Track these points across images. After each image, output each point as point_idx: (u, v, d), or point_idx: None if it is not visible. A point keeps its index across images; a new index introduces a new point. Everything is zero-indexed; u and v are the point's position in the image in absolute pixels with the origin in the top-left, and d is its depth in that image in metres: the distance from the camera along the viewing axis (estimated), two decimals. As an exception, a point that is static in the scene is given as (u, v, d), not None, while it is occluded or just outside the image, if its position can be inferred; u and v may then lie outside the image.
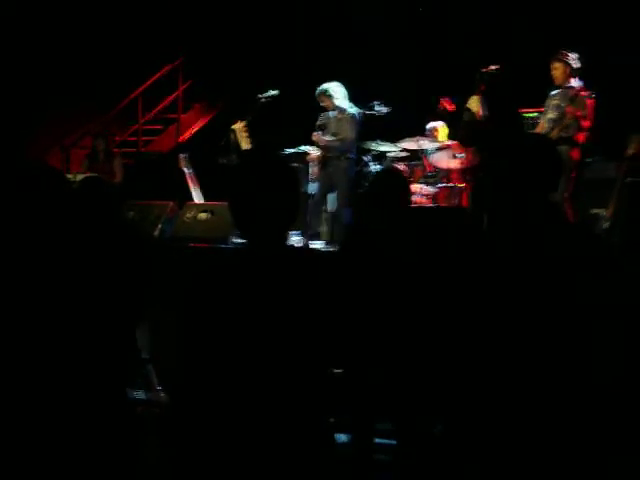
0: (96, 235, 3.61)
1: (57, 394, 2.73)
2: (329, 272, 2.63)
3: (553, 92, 7.99)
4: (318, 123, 8.91)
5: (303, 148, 9.26)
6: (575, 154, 7.67)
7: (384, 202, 4.58)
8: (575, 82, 7.86)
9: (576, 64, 7.87)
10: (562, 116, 7.72)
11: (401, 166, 9.66)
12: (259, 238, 2.61)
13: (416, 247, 4.46)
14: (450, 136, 9.63)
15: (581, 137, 7.75)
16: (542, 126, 7.94)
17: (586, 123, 7.73)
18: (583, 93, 7.79)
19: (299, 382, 2.51)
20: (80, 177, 6.40)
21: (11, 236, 2.73)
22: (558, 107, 7.83)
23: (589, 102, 7.77)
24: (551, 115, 7.87)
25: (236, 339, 2.50)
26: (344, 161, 8.71)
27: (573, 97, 7.73)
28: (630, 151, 7.34)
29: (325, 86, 8.90)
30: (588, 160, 8.13)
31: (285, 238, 2.67)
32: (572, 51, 7.92)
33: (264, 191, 2.58)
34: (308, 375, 2.52)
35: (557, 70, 7.89)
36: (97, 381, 2.80)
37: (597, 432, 2.66)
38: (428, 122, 9.93)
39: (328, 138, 8.73)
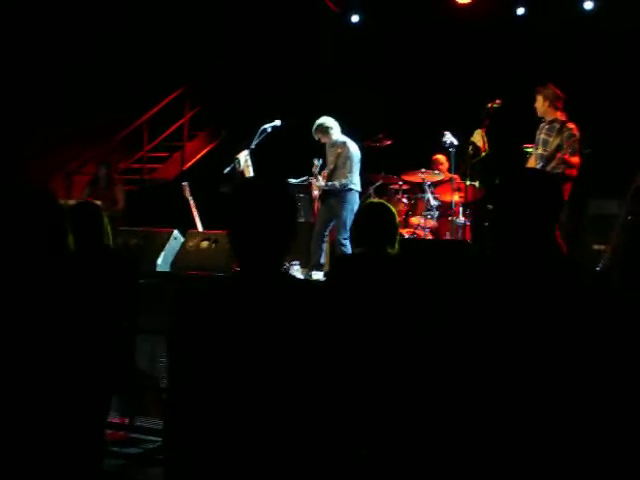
0: (79, 260, 3.60)
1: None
2: (322, 303, 2.60)
3: (541, 125, 7.91)
4: (315, 171, 8.81)
5: (307, 179, 9.20)
6: (565, 190, 7.35)
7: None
8: (560, 113, 7.76)
9: (554, 96, 7.77)
10: (550, 155, 7.59)
11: (404, 198, 9.69)
12: (252, 265, 2.58)
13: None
14: (453, 169, 9.63)
15: (571, 172, 7.58)
16: (532, 162, 7.83)
17: (574, 159, 7.57)
18: (570, 125, 7.67)
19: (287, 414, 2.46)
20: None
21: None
22: (545, 142, 7.74)
23: (576, 135, 7.62)
24: (540, 151, 7.77)
25: (219, 367, 2.47)
26: (344, 193, 8.66)
27: (560, 130, 7.63)
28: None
29: (320, 121, 8.84)
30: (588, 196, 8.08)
31: (279, 265, 2.61)
32: (555, 83, 7.86)
33: (257, 216, 2.55)
34: (295, 408, 2.46)
35: (537, 102, 7.85)
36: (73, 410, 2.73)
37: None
38: (432, 155, 9.95)
39: (324, 183, 8.71)
